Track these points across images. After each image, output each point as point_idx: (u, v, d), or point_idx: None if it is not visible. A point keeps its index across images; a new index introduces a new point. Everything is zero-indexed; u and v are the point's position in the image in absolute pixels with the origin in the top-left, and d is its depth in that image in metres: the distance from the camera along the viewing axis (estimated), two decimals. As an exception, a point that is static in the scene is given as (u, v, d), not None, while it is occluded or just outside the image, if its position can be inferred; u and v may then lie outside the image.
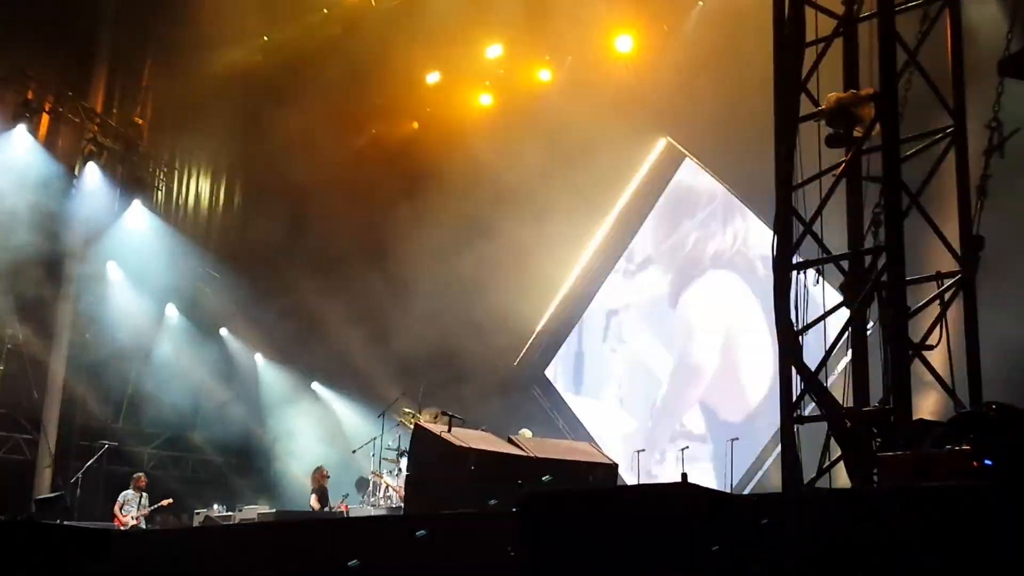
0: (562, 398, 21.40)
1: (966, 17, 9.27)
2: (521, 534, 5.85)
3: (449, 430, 11.07)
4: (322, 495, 16.30)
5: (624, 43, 18.56)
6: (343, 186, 20.35)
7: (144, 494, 16.44)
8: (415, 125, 21.97)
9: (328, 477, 16.62)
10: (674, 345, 19.75)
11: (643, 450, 16.70)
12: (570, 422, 20.68)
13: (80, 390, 18.96)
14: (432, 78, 20.54)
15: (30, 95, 18.25)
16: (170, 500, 16.74)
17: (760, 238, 17.64)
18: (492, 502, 9.43)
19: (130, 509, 16.16)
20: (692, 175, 19.79)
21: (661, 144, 20.15)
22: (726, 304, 18.83)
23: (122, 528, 15.59)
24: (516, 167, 18.36)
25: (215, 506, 16.78)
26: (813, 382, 8.45)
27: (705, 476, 16.87)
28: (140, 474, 16.94)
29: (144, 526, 15.97)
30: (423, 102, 21.17)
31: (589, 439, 16.44)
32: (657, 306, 20.21)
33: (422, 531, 6.96)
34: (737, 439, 16.04)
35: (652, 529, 5.26)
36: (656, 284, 20.29)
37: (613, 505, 5.87)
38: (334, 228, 20.45)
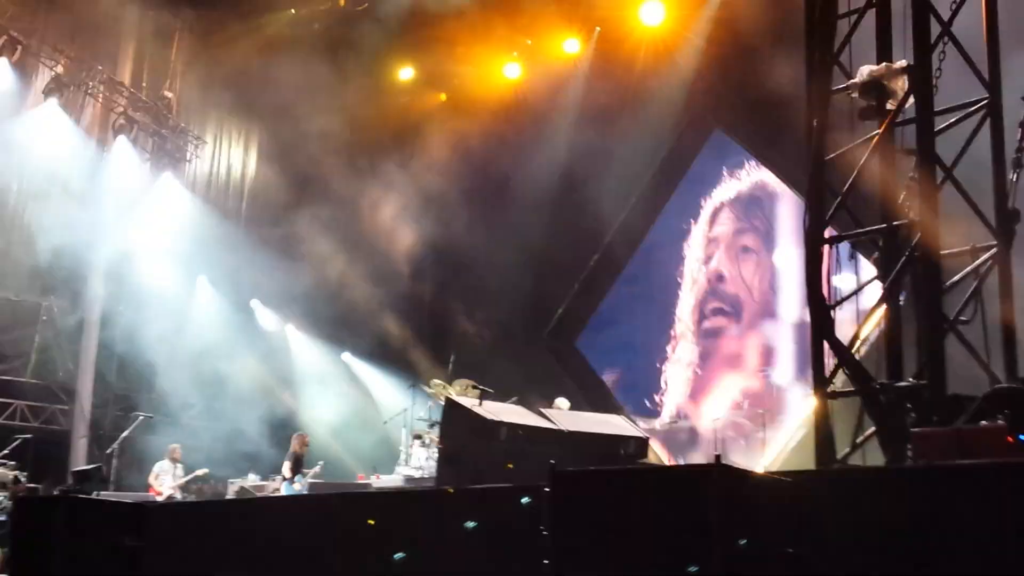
0: (593, 370, 21.31)
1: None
2: (549, 512, 5.82)
3: (480, 403, 11.10)
4: (296, 462, 15.85)
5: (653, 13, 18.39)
6: (376, 156, 20.39)
7: (179, 465, 16.59)
8: (443, 97, 21.94)
9: (308, 445, 16.34)
10: (706, 320, 19.59)
11: (676, 422, 16.69)
12: (602, 394, 20.60)
13: (114, 361, 19.14)
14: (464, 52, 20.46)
15: (61, 69, 18.38)
16: (206, 470, 16.89)
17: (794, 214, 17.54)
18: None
19: (165, 479, 16.31)
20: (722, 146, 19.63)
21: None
22: (761, 279, 18.70)
23: (158, 498, 15.75)
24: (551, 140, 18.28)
25: (249, 476, 16.91)
26: (846, 356, 8.43)
27: (737, 451, 16.81)
28: (175, 445, 16.97)
29: (180, 496, 16.12)
30: (452, 73, 21.10)
31: (620, 411, 16.41)
32: (688, 281, 20.03)
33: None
34: (766, 412, 16.03)
35: (685, 510, 5.27)
36: (685, 259, 20.11)
37: (645, 485, 5.87)
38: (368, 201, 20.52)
